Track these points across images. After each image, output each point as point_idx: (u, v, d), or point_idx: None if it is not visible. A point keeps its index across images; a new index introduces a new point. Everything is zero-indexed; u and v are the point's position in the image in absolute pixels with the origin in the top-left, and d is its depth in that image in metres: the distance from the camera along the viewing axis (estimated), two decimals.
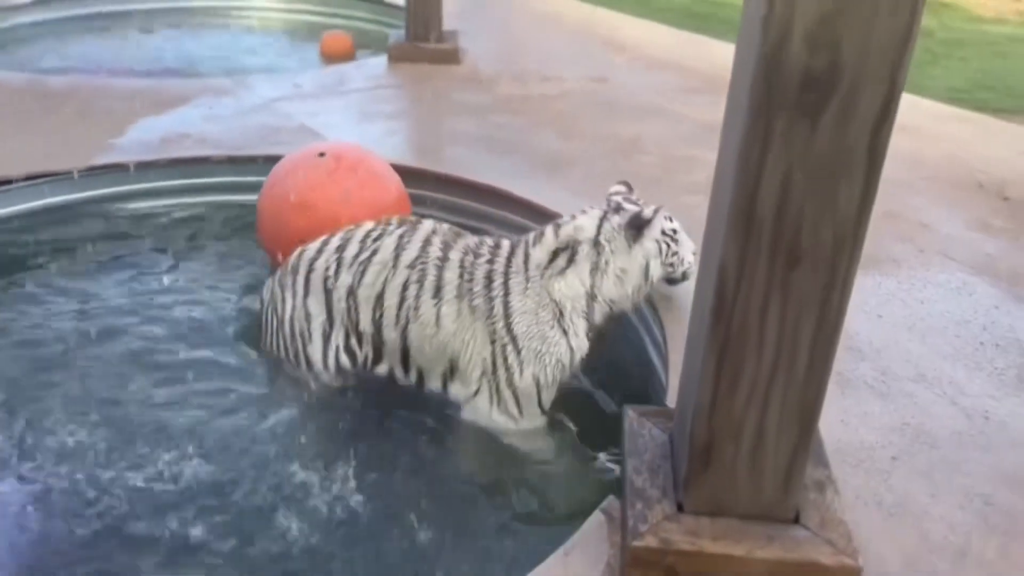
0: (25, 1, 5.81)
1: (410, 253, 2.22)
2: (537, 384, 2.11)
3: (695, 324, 1.56)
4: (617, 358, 2.43)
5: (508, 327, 2.09)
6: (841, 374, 2.16)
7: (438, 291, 2.15)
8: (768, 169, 1.30)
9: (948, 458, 1.92)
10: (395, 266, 2.21)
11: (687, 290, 2.44)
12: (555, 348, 2.09)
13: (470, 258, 2.18)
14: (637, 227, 2.14)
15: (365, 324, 2.24)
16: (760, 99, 1.26)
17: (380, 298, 2.22)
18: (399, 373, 2.27)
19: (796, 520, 1.54)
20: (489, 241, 2.26)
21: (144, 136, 3.54)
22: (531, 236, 2.21)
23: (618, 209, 2.19)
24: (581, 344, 2.13)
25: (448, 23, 5.00)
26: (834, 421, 1.98)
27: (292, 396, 2.33)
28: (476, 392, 2.16)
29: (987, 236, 3.04)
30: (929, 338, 2.40)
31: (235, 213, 3.23)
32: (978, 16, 7.98)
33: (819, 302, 1.36)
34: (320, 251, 2.32)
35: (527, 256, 2.14)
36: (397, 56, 4.78)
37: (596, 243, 2.13)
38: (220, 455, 2.13)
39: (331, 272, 2.27)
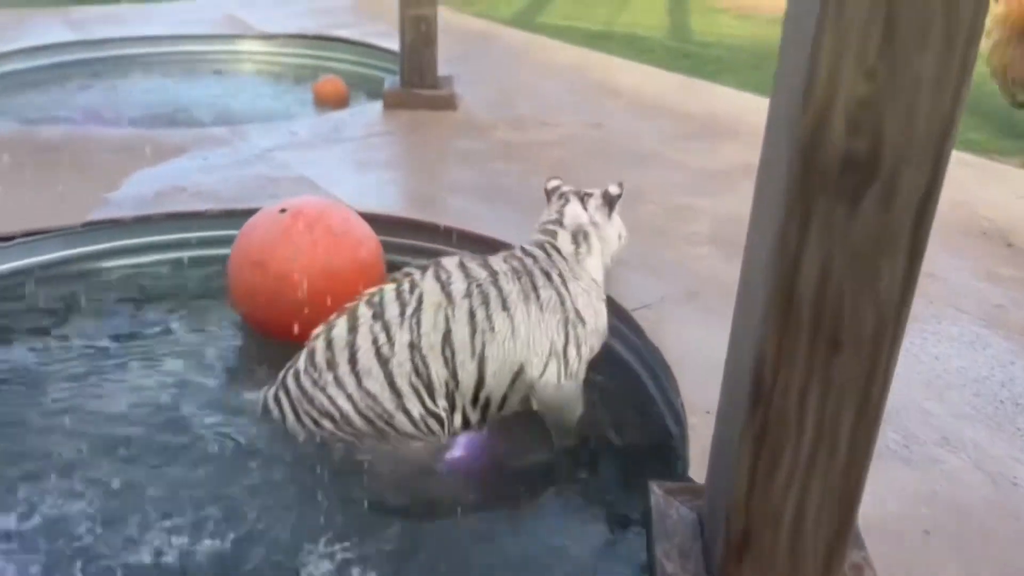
0: (8, 49, 5.76)
1: (459, 285, 2.24)
2: (591, 351, 2.36)
3: (727, 407, 1.51)
4: (630, 424, 2.38)
5: (576, 310, 2.32)
6: None
7: (504, 303, 2.24)
8: (807, 252, 1.26)
9: (980, 528, 1.87)
10: (451, 301, 2.21)
11: (701, 353, 2.40)
12: (603, 318, 2.40)
13: (516, 263, 2.34)
14: (610, 202, 2.50)
15: (438, 372, 2.19)
16: (798, 181, 1.22)
17: (447, 337, 2.19)
18: (470, 413, 2.25)
19: None
20: (515, 251, 2.43)
21: (139, 190, 3.49)
22: (542, 237, 2.43)
23: (577, 194, 2.52)
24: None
25: (442, 68, 4.99)
26: (864, 493, 1.93)
27: (301, 464, 2.26)
28: (544, 371, 2.28)
29: (995, 286, 3.02)
30: (948, 397, 2.35)
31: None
32: None
33: (861, 387, 1.31)
34: (353, 329, 2.20)
35: (558, 249, 2.40)
36: (392, 102, 4.76)
37: (593, 223, 2.46)
38: (229, 529, 2.04)
39: (382, 341, 2.18)
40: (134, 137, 4.12)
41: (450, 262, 2.32)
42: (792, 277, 1.27)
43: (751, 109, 5.12)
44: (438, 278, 2.25)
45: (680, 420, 2.22)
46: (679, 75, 6.00)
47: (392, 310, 2.20)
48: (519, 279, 2.29)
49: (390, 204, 3.51)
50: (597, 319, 2.36)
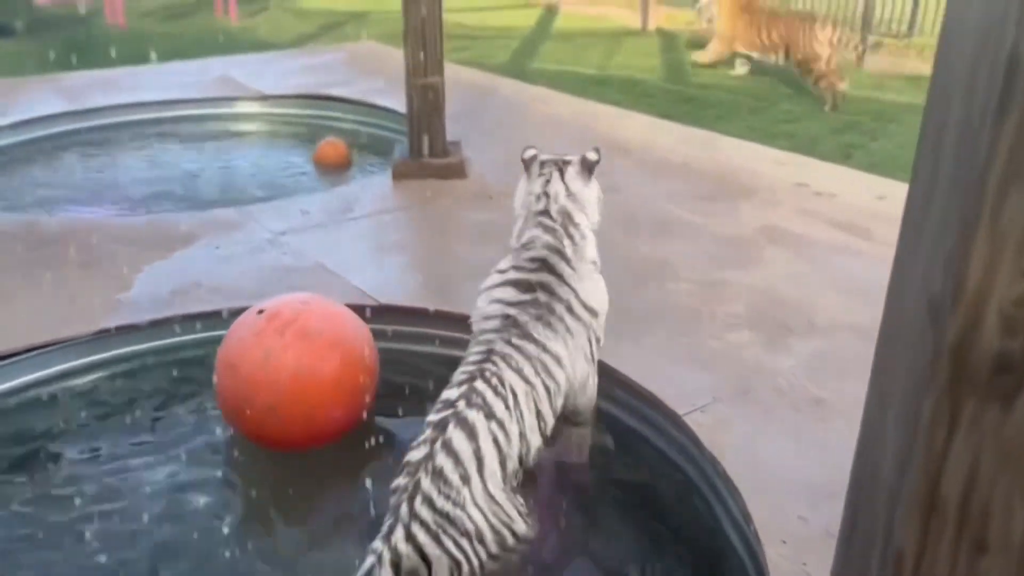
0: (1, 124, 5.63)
1: (527, 368, 2.21)
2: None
3: None
4: (696, 555, 2.26)
5: (590, 308, 2.36)
6: None
7: (557, 359, 2.26)
8: (954, 453, 1.15)
9: None
10: (531, 384, 2.20)
11: (765, 465, 2.30)
12: (604, 291, 2.43)
13: (535, 309, 2.29)
14: (589, 168, 2.49)
15: (534, 443, 2.20)
16: (946, 382, 1.12)
17: (537, 410, 2.20)
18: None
19: None
20: (526, 280, 2.35)
21: (153, 288, 3.36)
22: (538, 241, 2.39)
23: (556, 163, 2.47)
24: None
25: (448, 129, 4.89)
26: None
27: None
28: (587, 388, 2.41)
29: None
30: None
31: None
32: None
33: None
34: (474, 436, 2.05)
35: (559, 251, 2.37)
36: (402, 173, 4.67)
37: (570, 194, 2.43)
38: None
39: (502, 441, 2.09)
40: (141, 226, 4.00)
41: (502, 346, 2.23)
42: (936, 477, 1.16)
43: (760, 160, 5.08)
44: (511, 366, 2.20)
45: (754, 552, 2.10)
46: (683, 125, 5.95)
47: (499, 407, 2.13)
48: (549, 324, 2.29)
49: (409, 292, 3.40)
50: (603, 300, 2.44)
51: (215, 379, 2.58)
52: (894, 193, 4.47)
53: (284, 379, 2.44)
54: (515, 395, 2.17)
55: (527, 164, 2.51)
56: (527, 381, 2.21)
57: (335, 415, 2.56)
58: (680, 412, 2.59)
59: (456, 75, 6.98)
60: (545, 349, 2.25)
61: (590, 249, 2.45)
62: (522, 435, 2.14)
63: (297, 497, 2.52)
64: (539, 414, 2.21)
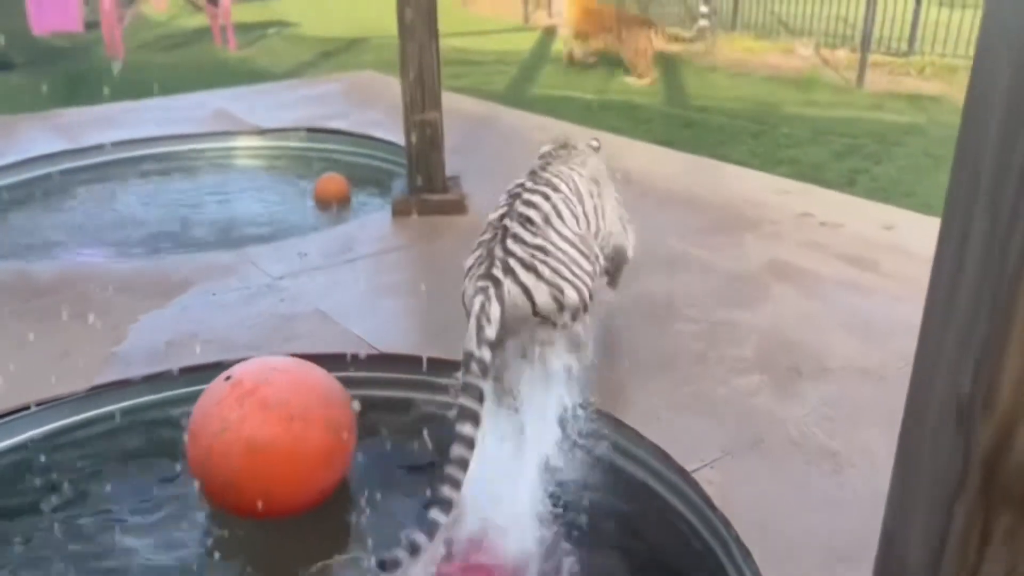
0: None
1: (585, 184, 2.72)
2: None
3: None
4: None
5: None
6: None
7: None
8: (987, 564, 1.07)
9: None
10: (599, 183, 2.85)
11: (781, 526, 2.22)
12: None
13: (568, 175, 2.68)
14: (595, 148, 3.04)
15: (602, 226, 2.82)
16: (978, 494, 1.04)
17: (598, 208, 2.76)
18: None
19: None
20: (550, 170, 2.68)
21: (149, 339, 3.29)
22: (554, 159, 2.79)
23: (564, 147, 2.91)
24: None
25: (448, 163, 4.83)
26: None
27: None
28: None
29: None
30: None
31: None
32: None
33: None
34: (546, 197, 2.46)
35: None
36: (401, 210, 4.61)
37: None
38: None
39: (574, 204, 2.57)
40: (137, 272, 3.93)
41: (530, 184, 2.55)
42: None
43: (763, 189, 5.01)
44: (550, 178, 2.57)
45: None
46: (685, 153, 5.89)
47: (564, 188, 2.53)
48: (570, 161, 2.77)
49: (410, 338, 3.33)
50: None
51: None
52: (901, 222, 4.40)
53: (238, 453, 2.34)
54: (577, 186, 2.60)
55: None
56: (596, 181, 2.77)
57: (296, 489, 2.45)
58: (689, 468, 2.51)
59: (456, 105, 6.95)
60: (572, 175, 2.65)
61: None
62: (585, 215, 2.54)
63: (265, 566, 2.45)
64: (598, 208, 2.69)
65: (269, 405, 2.39)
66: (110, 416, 3.01)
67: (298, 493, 2.41)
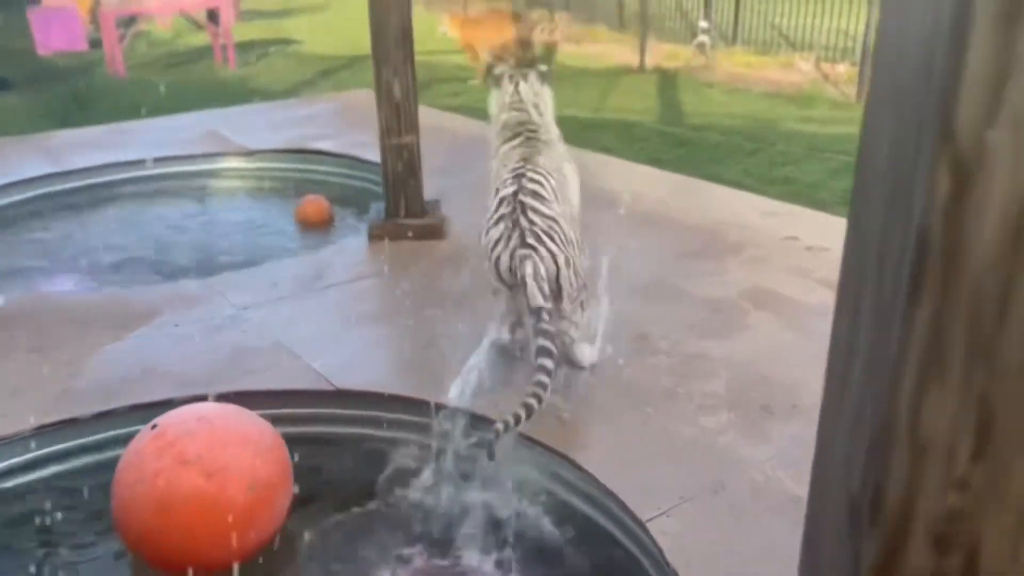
0: None
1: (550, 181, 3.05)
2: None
3: None
4: None
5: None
6: None
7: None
8: None
9: None
10: (562, 173, 3.22)
11: None
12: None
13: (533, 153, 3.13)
14: (542, 77, 3.35)
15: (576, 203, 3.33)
16: None
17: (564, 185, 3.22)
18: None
19: None
20: (519, 145, 3.18)
21: (104, 375, 3.20)
22: (513, 118, 3.27)
23: (520, 72, 3.35)
24: None
25: (428, 182, 4.74)
26: None
27: None
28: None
29: None
30: None
31: None
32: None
33: None
34: (547, 177, 3.06)
35: (531, 121, 3.28)
36: (378, 235, 4.52)
37: (536, 92, 3.33)
38: None
39: (555, 180, 3.11)
40: (99, 302, 3.85)
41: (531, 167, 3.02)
42: None
43: (750, 211, 4.89)
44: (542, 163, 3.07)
45: None
46: (675, 173, 5.78)
47: (554, 174, 3.03)
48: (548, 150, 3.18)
49: (378, 373, 3.24)
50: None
51: None
52: None
53: (150, 509, 2.22)
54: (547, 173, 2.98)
55: (497, 79, 3.35)
56: (557, 172, 3.06)
57: (214, 546, 2.29)
58: (645, 517, 2.39)
59: (446, 124, 6.90)
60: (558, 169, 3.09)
61: (553, 128, 3.29)
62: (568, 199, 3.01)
63: None
64: (564, 185, 3.07)
65: (187, 460, 2.26)
66: (59, 456, 2.93)
67: (216, 550, 2.28)
